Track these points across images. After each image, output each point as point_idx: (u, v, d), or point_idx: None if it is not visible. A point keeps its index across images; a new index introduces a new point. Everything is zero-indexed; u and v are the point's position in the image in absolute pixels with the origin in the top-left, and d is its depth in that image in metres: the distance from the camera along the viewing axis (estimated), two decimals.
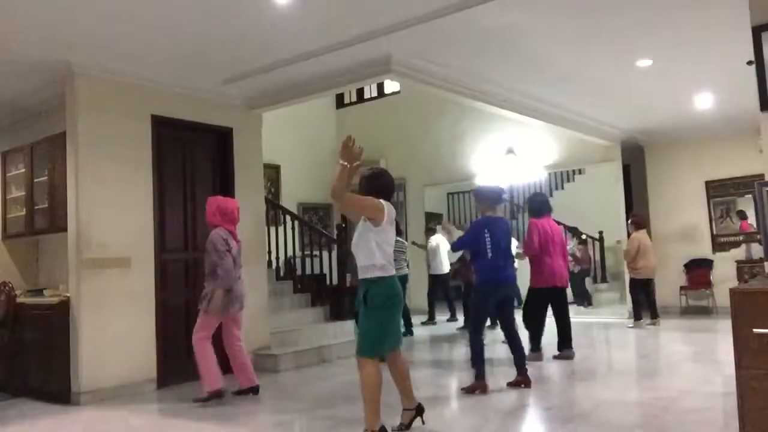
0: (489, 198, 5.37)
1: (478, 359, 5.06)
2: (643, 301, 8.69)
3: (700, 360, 6.31)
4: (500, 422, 4.30)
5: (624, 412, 4.36)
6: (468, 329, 5.55)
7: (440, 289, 10.06)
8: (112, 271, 5.48)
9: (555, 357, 6.29)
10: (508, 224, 5.69)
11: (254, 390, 5.26)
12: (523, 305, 6.69)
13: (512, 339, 5.24)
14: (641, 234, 8.67)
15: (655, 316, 8.62)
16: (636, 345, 7.49)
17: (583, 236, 12.19)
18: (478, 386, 4.99)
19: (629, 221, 8.96)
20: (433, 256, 9.69)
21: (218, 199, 5.30)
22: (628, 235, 8.95)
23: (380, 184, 3.95)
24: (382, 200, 3.81)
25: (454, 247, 5.79)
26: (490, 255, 5.11)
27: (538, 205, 6.67)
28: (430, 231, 10.03)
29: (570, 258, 11.86)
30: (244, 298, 5.32)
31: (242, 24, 4.84)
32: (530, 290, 6.49)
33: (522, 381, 5.10)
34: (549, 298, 6.39)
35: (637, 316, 8.61)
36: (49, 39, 4.90)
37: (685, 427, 3.86)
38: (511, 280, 5.37)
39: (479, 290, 5.29)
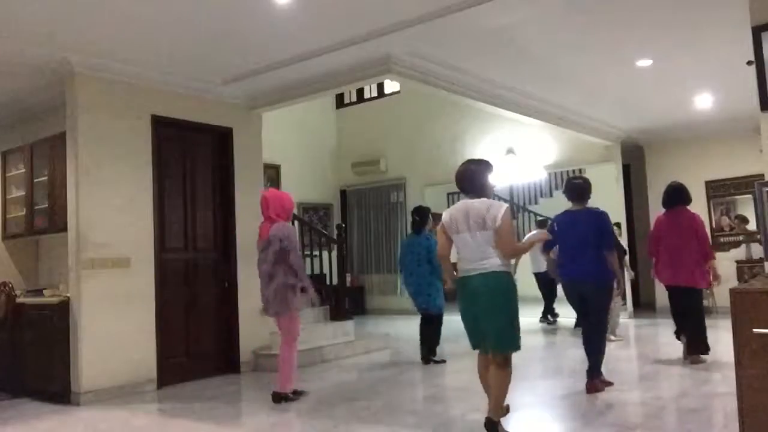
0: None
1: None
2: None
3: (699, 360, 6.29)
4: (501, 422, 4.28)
5: (624, 412, 4.36)
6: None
7: None
8: (112, 271, 5.48)
9: None
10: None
11: (284, 397, 4.94)
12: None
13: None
14: None
15: None
16: (635, 345, 7.48)
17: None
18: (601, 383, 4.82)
19: None
20: None
21: (276, 195, 5.15)
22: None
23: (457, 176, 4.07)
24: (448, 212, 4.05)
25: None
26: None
27: None
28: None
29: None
30: None
31: (242, 24, 4.85)
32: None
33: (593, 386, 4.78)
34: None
35: None
36: (49, 39, 4.91)
37: (685, 427, 3.86)
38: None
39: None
